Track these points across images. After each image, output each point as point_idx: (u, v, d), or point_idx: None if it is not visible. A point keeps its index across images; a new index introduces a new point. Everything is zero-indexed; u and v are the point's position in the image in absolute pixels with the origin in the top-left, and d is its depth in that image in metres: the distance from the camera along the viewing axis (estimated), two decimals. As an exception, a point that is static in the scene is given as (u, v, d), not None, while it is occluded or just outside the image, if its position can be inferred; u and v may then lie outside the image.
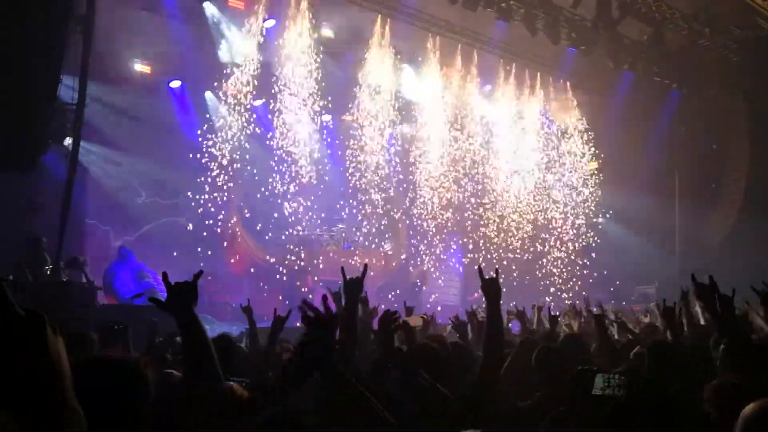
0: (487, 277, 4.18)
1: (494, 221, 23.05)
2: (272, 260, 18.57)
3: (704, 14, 19.48)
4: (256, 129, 19.82)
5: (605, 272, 22.00)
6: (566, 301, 19.18)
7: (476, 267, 4.37)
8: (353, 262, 19.11)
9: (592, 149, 23.92)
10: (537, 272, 22.82)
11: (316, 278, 18.62)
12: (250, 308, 6.41)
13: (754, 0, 18.85)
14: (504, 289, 4.39)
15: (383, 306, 6.67)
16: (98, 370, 2.62)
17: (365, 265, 4.43)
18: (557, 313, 8.87)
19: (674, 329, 5.70)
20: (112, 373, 2.62)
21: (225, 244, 18.04)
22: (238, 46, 17.93)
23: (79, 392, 1.74)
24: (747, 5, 18.88)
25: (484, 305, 4.60)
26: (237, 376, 4.05)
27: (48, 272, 10.81)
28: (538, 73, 22.53)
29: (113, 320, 6.92)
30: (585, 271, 22.79)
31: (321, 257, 19.28)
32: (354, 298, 4.61)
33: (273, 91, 19.26)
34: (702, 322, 7.03)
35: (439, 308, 18.42)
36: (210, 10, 16.88)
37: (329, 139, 21.34)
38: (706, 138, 21.70)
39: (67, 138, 11.72)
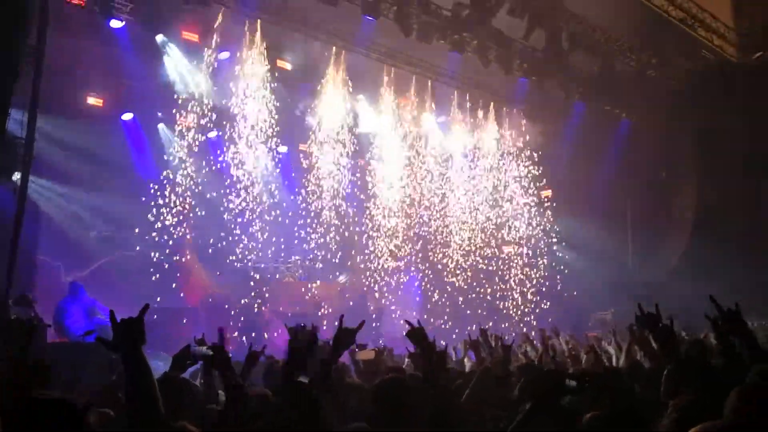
0: (416, 326, 4.22)
1: (450, 251, 23.13)
2: (228, 293, 18.35)
3: (651, 46, 19.93)
4: (211, 161, 19.73)
5: (561, 299, 22.17)
6: (523, 329, 19.28)
7: (404, 321, 4.36)
8: (310, 294, 19.02)
9: (545, 178, 24.20)
10: (494, 301, 22.93)
11: (274, 309, 18.45)
12: (204, 341, 6.16)
13: (696, 32, 19.36)
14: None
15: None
16: (34, 411, 2.55)
17: (362, 322, 4.35)
18: (512, 342, 8.88)
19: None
20: (47, 415, 2.55)
21: (179, 277, 17.79)
22: (191, 78, 17.84)
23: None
24: (691, 37, 19.38)
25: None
26: (189, 416, 3.97)
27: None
28: (492, 103, 22.78)
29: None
30: (537, 298, 22.95)
31: (277, 289, 19.09)
32: (342, 350, 4.52)
33: (227, 122, 19.22)
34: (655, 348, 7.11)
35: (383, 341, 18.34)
36: (163, 42, 16.79)
37: (285, 171, 21.30)
38: (655, 166, 22.10)
39: (16, 173, 11.52)
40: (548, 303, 22.43)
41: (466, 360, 8.80)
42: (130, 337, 3.08)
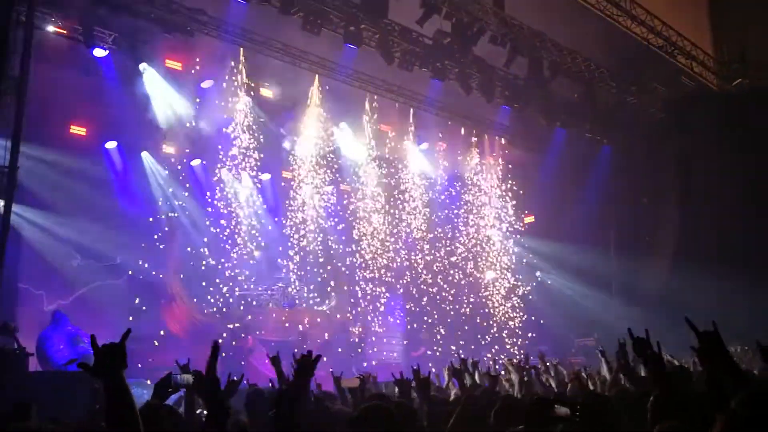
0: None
1: (432, 277, 23.20)
2: (211, 320, 18.28)
3: (631, 73, 20.16)
4: (194, 188, 19.75)
5: (545, 326, 22.24)
6: (505, 356, 19.28)
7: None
8: (294, 321, 18.99)
9: (527, 204, 24.36)
10: (477, 327, 22.97)
11: (258, 336, 18.39)
12: (188, 367, 6.10)
13: (676, 59, 19.60)
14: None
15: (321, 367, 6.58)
16: None
17: (319, 356, 4.27)
18: (500, 371, 8.90)
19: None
20: None
21: (162, 305, 17.72)
22: (174, 106, 17.87)
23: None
24: (671, 64, 19.62)
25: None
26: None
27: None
28: (474, 131, 22.94)
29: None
30: (524, 326, 23.02)
31: (261, 316, 19.02)
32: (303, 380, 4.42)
33: (210, 150, 19.28)
34: (642, 373, 7.12)
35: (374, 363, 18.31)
36: (146, 70, 16.83)
37: (268, 197, 21.33)
38: (637, 193, 22.25)
39: (-1, 201, 11.49)
40: (533, 332, 22.50)
41: (450, 386, 8.80)
42: (112, 362, 3.06)
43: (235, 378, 5.29)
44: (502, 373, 9.69)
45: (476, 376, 8.71)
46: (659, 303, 19.40)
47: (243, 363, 17.04)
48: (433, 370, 9.73)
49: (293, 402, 3.64)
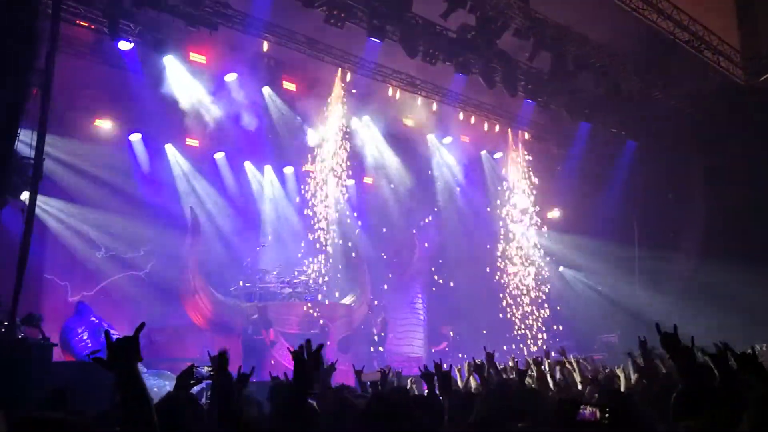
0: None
1: (455, 271, 23.15)
2: (233, 313, 18.34)
3: (657, 68, 19.95)
4: (217, 181, 19.86)
5: (568, 321, 22.12)
6: (526, 352, 19.24)
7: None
8: (315, 315, 19.02)
9: (552, 199, 24.23)
10: (500, 321, 22.89)
11: (279, 330, 18.42)
12: (217, 359, 5.99)
13: (703, 54, 19.38)
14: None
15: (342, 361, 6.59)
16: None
17: (320, 345, 4.20)
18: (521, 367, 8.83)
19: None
20: None
21: (185, 297, 17.83)
22: (198, 99, 17.93)
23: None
24: (698, 59, 19.39)
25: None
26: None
27: (3, 330, 10.56)
28: (497, 125, 22.82)
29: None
30: (546, 321, 22.92)
31: (283, 310, 19.06)
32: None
33: (233, 143, 19.36)
34: (663, 370, 7.05)
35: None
36: (171, 63, 16.89)
37: (289, 190, 21.40)
38: (662, 188, 22.07)
39: (24, 192, 11.57)
40: (558, 325, 22.39)
41: (471, 380, 8.76)
42: (125, 356, 3.07)
43: (245, 372, 5.29)
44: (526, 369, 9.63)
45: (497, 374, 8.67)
46: (684, 297, 19.27)
47: (264, 356, 17.11)
48: (454, 365, 9.69)
49: (301, 393, 3.64)
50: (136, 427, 2.98)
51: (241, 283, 19.30)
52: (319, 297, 20.22)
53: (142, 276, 18.03)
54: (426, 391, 6.49)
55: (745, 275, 17.77)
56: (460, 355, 19.16)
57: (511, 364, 9.77)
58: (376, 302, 21.04)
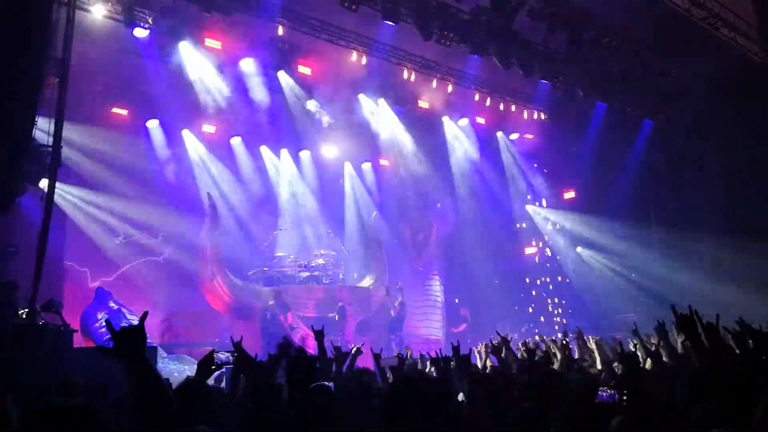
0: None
1: (474, 253, 23.16)
2: (251, 297, 18.45)
3: (673, 46, 19.77)
4: (234, 166, 19.93)
5: (585, 302, 22.10)
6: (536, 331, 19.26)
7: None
8: (334, 298, 19.10)
9: (568, 179, 24.15)
10: (518, 302, 22.94)
11: (298, 313, 18.51)
12: (239, 345, 5.95)
13: (719, 31, 19.19)
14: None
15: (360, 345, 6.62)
16: (54, 419, 2.60)
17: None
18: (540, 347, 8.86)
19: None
20: (67, 422, 2.60)
21: (204, 282, 17.94)
22: (214, 84, 17.97)
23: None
24: (714, 36, 19.21)
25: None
26: (211, 419, 4.03)
27: (24, 316, 10.68)
28: (513, 106, 22.72)
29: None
30: (563, 301, 22.92)
31: (301, 293, 19.16)
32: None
33: (249, 128, 19.40)
34: (680, 351, 7.05)
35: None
36: (186, 49, 16.91)
37: (307, 174, 21.45)
38: (678, 168, 21.91)
39: (43, 180, 11.67)
40: (571, 307, 22.39)
41: (488, 363, 8.80)
42: (131, 344, 3.09)
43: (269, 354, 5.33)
44: (543, 348, 9.66)
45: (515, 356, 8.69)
46: (703, 276, 19.20)
47: (283, 338, 17.19)
48: (473, 347, 9.72)
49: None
50: (149, 412, 3.00)
51: (258, 268, 19.40)
52: (338, 280, 20.28)
53: (160, 261, 18.17)
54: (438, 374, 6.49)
55: (763, 253, 17.65)
56: (475, 336, 19.20)
57: (531, 345, 9.78)
58: (397, 285, 21.05)
